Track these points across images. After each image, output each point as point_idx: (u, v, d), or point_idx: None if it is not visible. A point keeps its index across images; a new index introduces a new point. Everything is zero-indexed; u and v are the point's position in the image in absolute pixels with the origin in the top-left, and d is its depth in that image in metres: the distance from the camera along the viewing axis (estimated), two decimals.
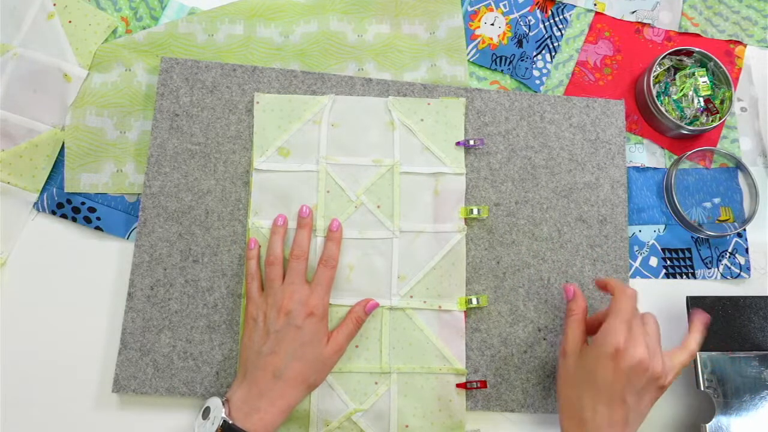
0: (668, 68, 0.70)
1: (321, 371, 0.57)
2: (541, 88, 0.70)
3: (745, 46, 0.73)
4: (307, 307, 0.56)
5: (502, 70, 0.70)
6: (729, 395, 0.57)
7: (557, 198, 0.65)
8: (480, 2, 0.72)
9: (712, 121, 0.68)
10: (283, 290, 0.57)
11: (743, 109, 0.72)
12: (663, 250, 0.67)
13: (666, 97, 0.69)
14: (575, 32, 0.73)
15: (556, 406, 0.57)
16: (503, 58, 0.70)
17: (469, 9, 0.71)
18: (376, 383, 0.60)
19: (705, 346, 0.58)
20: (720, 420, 0.57)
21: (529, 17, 0.72)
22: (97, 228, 0.63)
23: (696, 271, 0.66)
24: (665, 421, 0.62)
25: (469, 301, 0.62)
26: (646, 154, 0.69)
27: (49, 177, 0.64)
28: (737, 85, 0.72)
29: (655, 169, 0.69)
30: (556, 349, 0.62)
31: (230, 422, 0.51)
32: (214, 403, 0.53)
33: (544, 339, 0.62)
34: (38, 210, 0.64)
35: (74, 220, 0.63)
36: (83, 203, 0.64)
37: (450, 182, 0.64)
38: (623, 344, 0.49)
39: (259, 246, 0.61)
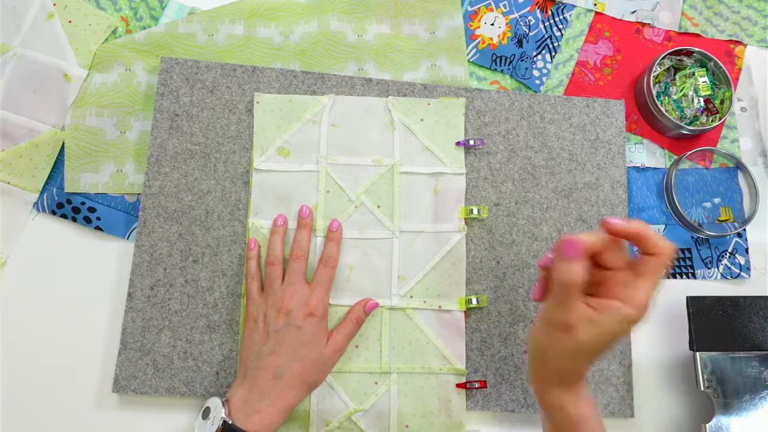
0: (668, 68, 0.70)
1: (321, 371, 0.57)
2: (541, 88, 0.70)
3: (745, 46, 0.73)
4: (307, 307, 0.56)
5: (502, 70, 0.70)
6: (729, 395, 0.57)
7: (557, 198, 0.65)
8: (480, 2, 0.72)
9: (712, 121, 0.68)
10: (283, 290, 0.57)
11: (743, 109, 0.72)
12: None
13: (666, 97, 0.69)
14: (575, 32, 0.73)
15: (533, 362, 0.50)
16: (503, 58, 0.70)
17: (469, 9, 0.71)
18: (376, 383, 0.60)
19: (705, 346, 0.58)
20: (720, 420, 0.57)
21: (529, 17, 0.72)
22: (97, 228, 0.63)
23: (696, 271, 0.66)
24: (665, 421, 0.62)
25: (469, 301, 0.62)
26: (646, 154, 0.69)
27: (49, 177, 0.64)
28: (737, 85, 0.72)
29: (655, 169, 0.69)
30: None
31: (230, 422, 0.51)
32: (214, 403, 0.54)
33: None
34: (38, 210, 0.64)
35: (74, 220, 0.63)
36: (83, 203, 0.64)
37: (450, 182, 0.64)
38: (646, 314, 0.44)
39: (259, 246, 0.61)
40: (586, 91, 0.70)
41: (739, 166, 0.69)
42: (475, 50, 0.70)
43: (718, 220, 0.68)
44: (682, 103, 0.68)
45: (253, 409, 0.53)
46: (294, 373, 0.55)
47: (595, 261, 0.46)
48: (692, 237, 0.67)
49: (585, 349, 0.44)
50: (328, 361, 0.57)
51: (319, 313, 0.57)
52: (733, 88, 0.68)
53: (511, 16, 0.71)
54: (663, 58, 0.68)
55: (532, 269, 0.63)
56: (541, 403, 0.50)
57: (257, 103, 0.65)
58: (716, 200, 0.68)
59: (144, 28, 0.69)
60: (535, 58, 0.71)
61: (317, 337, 0.56)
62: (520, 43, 0.71)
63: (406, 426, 0.59)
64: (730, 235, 0.67)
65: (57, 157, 0.65)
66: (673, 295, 0.64)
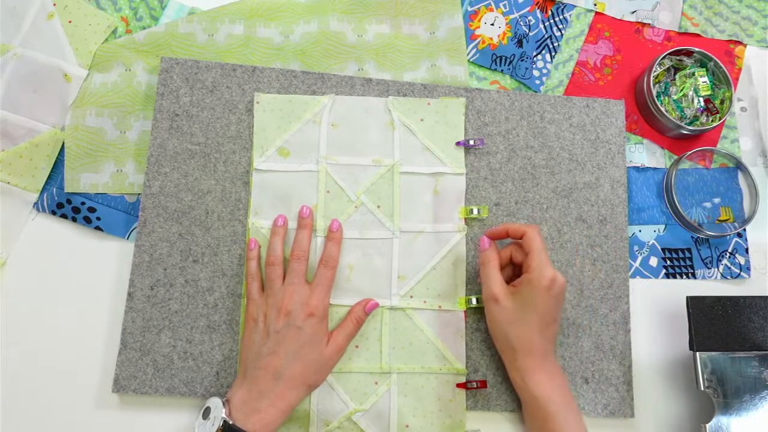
0: (668, 68, 0.70)
1: (321, 371, 0.57)
2: (541, 88, 0.70)
3: (745, 46, 0.73)
4: (308, 307, 0.56)
5: (502, 70, 0.70)
6: (729, 395, 0.57)
7: (557, 198, 0.65)
8: (480, 2, 0.72)
9: (712, 121, 0.68)
10: (284, 291, 0.57)
11: (743, 109, 0.72)
12: (663, 250, 0.67)
13: (666, 97, 0.69)
14: (575, 32, 0.73)
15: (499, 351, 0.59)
16: (503, 58, 0.70)
17: (469, 9, 0.71)
18: (376, 383, 0.60)
19: (705, 346, 0.58)
20: (720, 420, 0.57)
21: (529, 17, 0.72)
22: (97, 228, 0.63)
23: (696, 271, 0.66)
24: (665, 421, 0.62)
25: (469, 301, 0.62)
26: (646, 154, 0.69)
27: (49, 177, 0.64)
28: (737, 85, 0.72)
29: (655, 169, 0.69)
30: (556, 348, 0.62)
31: (230, 422, 0.51)
32: (215, 403, 0.54)
33: None
34: (38, 210, 0.64)
35: (74, 220, 0.63)
36: (83, 203, 0.64)
37: (450, 182, 0.64)
38: (552, 273, 0.55)
39: (260, 246, 0.61)
40: (586, 91, 0.70)
41: (739, 166, 0.69)
42: (475, 50, 0.70)
43: (718, 220, 0.68)
44: (682, 103, 0.68)
45: (253, 409, 0.53)
46: (294, 373, 0.55)
47: (518, 266, 0.60)
48: (692, 237, 0.67)
49: (514, 316, 0.56)
50: (328, 361, 0.57)
51: (319, 313, 0.57)
52: (733, 88, 0.68)
53: (511, 16, 0.72)
54: (663, 58, 0.68)
55: None
56: (513, 383, 0.58)
57: (257, 103, 0.65)
58: (716, 200, 0.68)
59: (144, 28, 0.69)
60: (535, 58, 0.71)
61: (317, 338, 0.56)
62: (520, 43, 0.71)
63: (406, 426, 0.59)
64: (730, 235, 0.67)
65: (57, 157, 0.65)
66: (673, 295, 0.64)
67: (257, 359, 0.55)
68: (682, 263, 0.67)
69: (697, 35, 0.73)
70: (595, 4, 0.73)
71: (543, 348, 0.56)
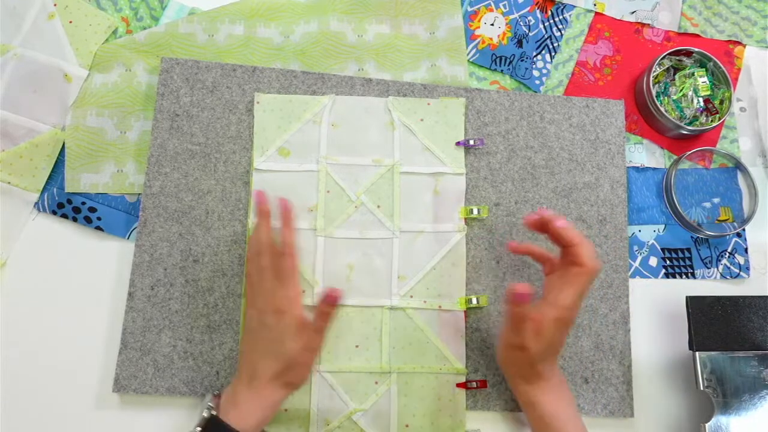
0: (668, 68, 0.70)
1: (295, 368, 0.54)
2: (541, 88, 0.70)
3: (744, 46, 0.73)
4: (275, 304, 0.54)
5: (502, 70, 0.70)
6: (728, 395, 0.57)
7: (557, 198, 0.65)
8: (480, 2, 0.72)
9: (711, 121, 0.68)
10: (258, 288, 0.55)
11: (743, 109, 0.72)
12: (663, 250, 0.67)
13: (666, 97, 0.69)
14: (575, 32, 0.73)
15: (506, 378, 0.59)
16: (503, 58, 0.70)
17: (469, 9, 0.72)
18: (376, 383, 0.60)
19: (705, 346, 0.59)
20: (719, 420, 0.57)
21: (529, 17, 0.72)
22: (98, 228, 0.63)
23: (696, 271, 0.66)
24: (665, 421, 0.62)
25: (469, 301, 0.62)
26: (645, 154, 0.69)
27: (50, 177, 0.64)
28: (737, 85, 0.72)
29: (654, 169, 0.69)
30: None
31: (214, 413, 0.52)
32: (207, 398, 0.56)
33: None
34: (38, 210, 0.64)
35: (74, 220, 0.63)
36: (84, 203, 0.64)
37: (450, 182, 0.64)
38: (574, 316, 0.54)
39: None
40: (585, 91, 0.70)
41: (739, 166, 0.69)
42: (475, 50, 0.70)
43: (718, 220, 0.68)
44: (681, 103, 0.68)
45: (233, 405, 0.53)
46: (268, 371, 0.53)
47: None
48: (692, 237, 0.67)
49: (538, 357, 0.54)
50: (300, 358, 0.54)
51: (286, 309, 0.54)
52: (732, 89, 0.68)
53: (511, 17, 0.72)
54: (662, 58, 0.68)
55: (532, 269, 0.63)
56: (518, 400, 0.58)
57: (257, 103, 0.65)
58: (716, 200, 0.69)
59: (144, 29, 0.69)
60: (534, 58, 0.71)
61: (286, 335, 0.54)
62: (519, 43, 0.71)
63: (406, 426, 0.59)
64: (729, 235, 0.67)
65: (57, 157, 0.65)
66: (673, 295, 0.64)
67: (240, 357, 0.56)
68: (682, 263, 0.67)
69: (697, 35, 0.73)
70: (594, 5, 0.73)
71: (546, 371, 0.55)
